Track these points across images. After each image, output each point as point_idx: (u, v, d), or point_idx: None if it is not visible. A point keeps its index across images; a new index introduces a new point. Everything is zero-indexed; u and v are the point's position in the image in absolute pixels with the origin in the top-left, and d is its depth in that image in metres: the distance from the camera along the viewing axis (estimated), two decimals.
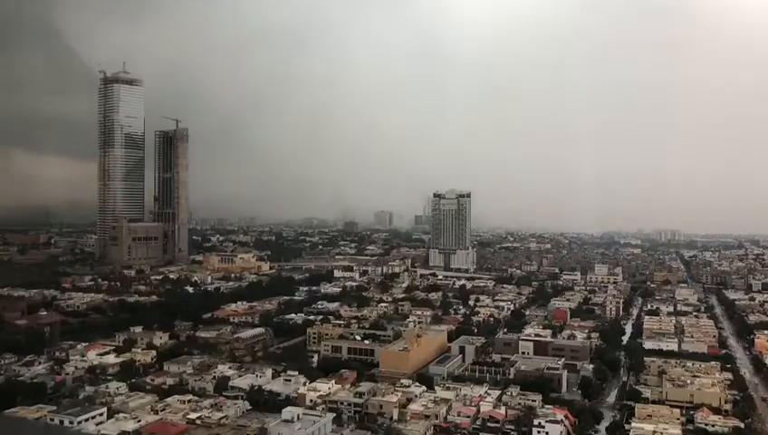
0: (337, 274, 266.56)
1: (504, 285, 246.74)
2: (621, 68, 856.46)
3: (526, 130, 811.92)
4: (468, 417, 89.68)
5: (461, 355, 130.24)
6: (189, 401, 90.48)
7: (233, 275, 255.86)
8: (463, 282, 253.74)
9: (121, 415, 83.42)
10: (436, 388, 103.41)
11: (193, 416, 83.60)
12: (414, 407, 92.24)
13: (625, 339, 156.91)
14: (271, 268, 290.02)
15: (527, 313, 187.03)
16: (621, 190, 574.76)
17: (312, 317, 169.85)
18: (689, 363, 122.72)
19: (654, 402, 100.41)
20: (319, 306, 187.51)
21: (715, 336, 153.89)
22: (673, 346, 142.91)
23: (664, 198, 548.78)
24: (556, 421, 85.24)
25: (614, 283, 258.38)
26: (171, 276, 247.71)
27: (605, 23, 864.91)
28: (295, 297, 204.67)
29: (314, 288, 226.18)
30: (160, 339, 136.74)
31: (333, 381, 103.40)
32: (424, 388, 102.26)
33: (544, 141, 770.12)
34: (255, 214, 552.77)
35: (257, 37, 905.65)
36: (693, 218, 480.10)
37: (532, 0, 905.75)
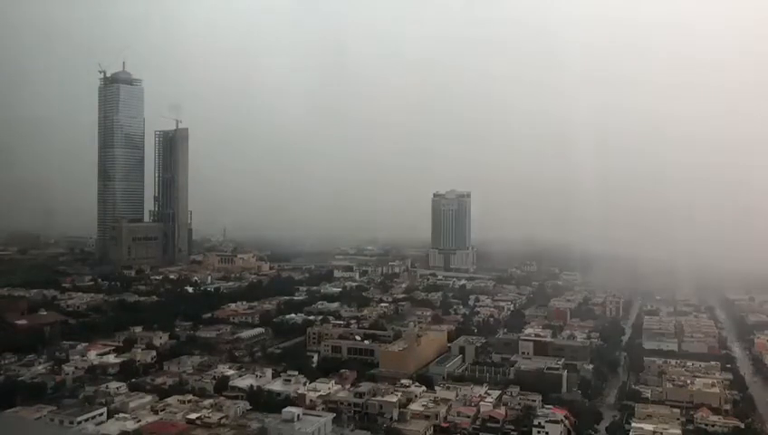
0: (337, 274, 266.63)
1: (504, 285, 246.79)
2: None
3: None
4: (468, 417, 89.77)
5: (461, 355, 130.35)
6: (189, 401, 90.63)
7: (233, 275, 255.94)
8: (463, 282, 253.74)
9: (121, 415, 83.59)
10: (436, 388, 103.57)
11: (193, 416, 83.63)
12: (414, 407, 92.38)
13: (625, 339, 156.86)
14: (271, 268, 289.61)
15: (527, 313, 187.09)
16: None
17: (311, 317, 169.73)
18: (689, 363, 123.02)
19: (654, 402, 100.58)
20: (319, 306, 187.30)
21: (714, 336, 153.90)
22: (673, 346, 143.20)
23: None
24: (556, 421, 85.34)
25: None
26: (171, 276, 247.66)
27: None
28: (295, 297, 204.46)
29: (314, 288, 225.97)
30: (160, 339, 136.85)
31: (333, 381, 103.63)
32: (424, 388, 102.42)
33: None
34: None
35: (261, 38, 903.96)
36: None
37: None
